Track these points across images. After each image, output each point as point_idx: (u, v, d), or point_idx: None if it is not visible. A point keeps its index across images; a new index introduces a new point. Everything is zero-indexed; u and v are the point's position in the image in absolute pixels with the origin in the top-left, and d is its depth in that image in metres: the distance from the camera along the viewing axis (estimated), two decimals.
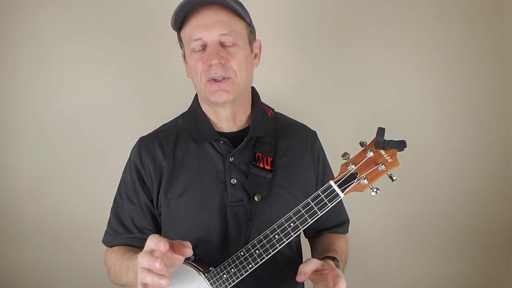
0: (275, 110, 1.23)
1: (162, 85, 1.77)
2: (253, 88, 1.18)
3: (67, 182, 1.80)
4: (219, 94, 1.02)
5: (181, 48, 1.11)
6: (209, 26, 0.99)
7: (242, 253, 0.96)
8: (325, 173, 1.19)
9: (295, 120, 1.24)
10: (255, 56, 1.12)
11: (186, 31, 1.03)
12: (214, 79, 1.01)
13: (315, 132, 1.23)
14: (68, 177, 1.80)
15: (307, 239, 1.28)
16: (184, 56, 1.11)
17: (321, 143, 1.24)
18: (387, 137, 0.89)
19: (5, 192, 1.80)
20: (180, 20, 1.03)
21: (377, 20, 1.76)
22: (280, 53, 1.76)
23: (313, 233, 1.24)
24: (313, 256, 1.16)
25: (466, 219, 1.81)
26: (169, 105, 1.36)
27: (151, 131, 1.18)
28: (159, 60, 1.73)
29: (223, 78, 1.01)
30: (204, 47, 1.01)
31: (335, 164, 1.25)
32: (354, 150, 0.95)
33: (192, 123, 1.13)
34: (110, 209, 1.18)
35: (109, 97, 1.79)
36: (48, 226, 1.80)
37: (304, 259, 1.20)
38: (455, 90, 1.77)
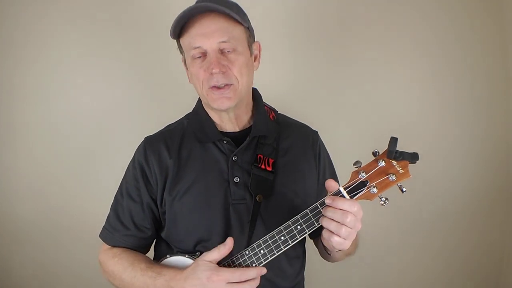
0: (278, 112, 1.23)
1: (164, 85, 1.77)
2: (255, 90, 1.19)
3: (68, 182, 1.79)
4: (221, 102, 1.03)
5: (181, 54, 1.11)
6: (208, 34, 0.99)
7: (247, 252, 0.98)
8: (325, 170, 1.20)
9: (297, 120, 1.25)
10: (255, 58, 1.13)
11: (185, 39, 1.04)
12: (217, 87, 1.02)
13: (317, 131, 1.24)
14: (69, 177, 1.79)
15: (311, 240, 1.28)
16: (184, 62, 1.11)
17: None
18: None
19: (5, 192, 1.79)
20: (178, 30, 1.03)
21: (378, 21, 1.76)
22: (281, 54, 1.76)
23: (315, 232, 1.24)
24: (321, 253, 1.17)
25: (467, 219, 1.83)
26: (171, 105, 1.37)
27: (156, 131, 1.18)
28: (161, 61, 1.72)
29: (225, 85, 1.02)
30: (204, 54, 1.02)
31: (336, 164, 1.27)
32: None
33: (197, 124, 1.14)
34: (110, 209, 1.17)
35: (110, 97, 1.79)
36: (48, 226, 1.79)
37: (307, 260, 1.22)
38: (456, 89, 1.79)
